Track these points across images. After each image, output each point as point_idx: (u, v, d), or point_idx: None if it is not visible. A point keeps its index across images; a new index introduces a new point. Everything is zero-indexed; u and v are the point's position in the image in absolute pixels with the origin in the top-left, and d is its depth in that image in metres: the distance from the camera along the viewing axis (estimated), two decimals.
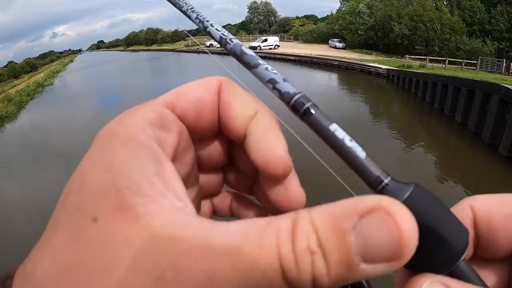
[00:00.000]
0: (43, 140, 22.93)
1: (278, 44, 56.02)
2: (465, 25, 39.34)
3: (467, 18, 39.78)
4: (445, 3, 42.93)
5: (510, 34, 36.40)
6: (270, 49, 53.43)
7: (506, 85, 16.14)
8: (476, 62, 33.77)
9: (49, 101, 40.34)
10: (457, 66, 34.16)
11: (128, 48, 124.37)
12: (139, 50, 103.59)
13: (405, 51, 41.27)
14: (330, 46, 57.18)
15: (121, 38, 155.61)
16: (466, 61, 34.03)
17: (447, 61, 33.65)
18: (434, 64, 34.70)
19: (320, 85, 31.89)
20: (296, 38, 72.05)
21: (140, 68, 55.34)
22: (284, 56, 47.01)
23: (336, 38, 57.95)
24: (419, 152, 16.45)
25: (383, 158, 14.48)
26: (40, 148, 20.48)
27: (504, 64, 32.50)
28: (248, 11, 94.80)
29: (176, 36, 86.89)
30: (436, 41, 39.80)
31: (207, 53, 55.37)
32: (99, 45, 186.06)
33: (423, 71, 29.30)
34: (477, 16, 39.04)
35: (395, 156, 15.56)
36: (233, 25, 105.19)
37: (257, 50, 52.11)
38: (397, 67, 34.74)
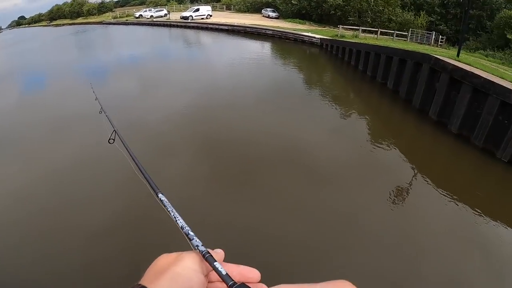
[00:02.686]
0: None
1: (211, 14, 54.31)
2: None
3: None
4: None
5: (441, 8, 37.59)
6: (202, 19, 51.60)
7: (436, 55, 16.88)
8: (407, 33, 34.96)
9: None
10: (388, 36, 35.22)
11: (51, 23, 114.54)
12: (63, 24, 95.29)
13: (338, 21, 41.82)
14: (263, 16, 56.72)
15: (43, 13, 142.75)
16: (397, 32, 35.16)
17: (379, 32, 34.44)
18: (367, 35, 35.40)
19: (253, 54, 31.43)
20: (228, 8, 70.29)
21: (65, 44, 50.14)
22: (217, 26, 45.53)
23: (269, 8, 57.56)
24: (353, 119, 16.48)
25: (317, 126, 14.49)
26: None
27: (434, 36, 33.95)
28: None
29: (103, 7, 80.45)
30: (369, 13, 40.53)
31: (136, 24, 52.19)
32: (20, 21, 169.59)
33: (356, 41, 29.51)
34: None
35: (329, 124, 15.33)
36: None
37: (189, 20, 49.60)
38: (330, 36, 35.07)
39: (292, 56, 31.93)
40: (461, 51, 19.77)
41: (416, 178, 11.17)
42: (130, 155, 2.20)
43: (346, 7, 42.45)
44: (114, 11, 70.71)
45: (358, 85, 23.62)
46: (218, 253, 0.80)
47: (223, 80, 20.09)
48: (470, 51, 29.93)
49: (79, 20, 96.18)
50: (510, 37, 29.44)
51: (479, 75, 13.72)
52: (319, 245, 7.27)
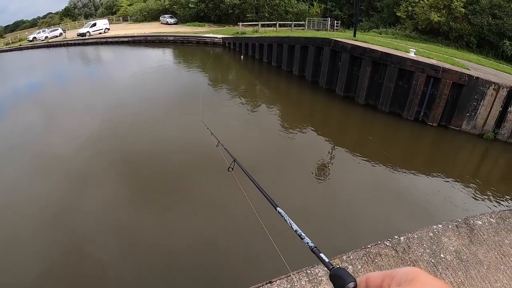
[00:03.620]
0: None
1: (108, 27, 51.67)
2: None
3: None
4: None
5: None
6: (100, 33, 48.96)
7: (334, 38, 17.66)
8: (304, 23, 35.82)
9: None
10: (287, 28, 36.04)
11: None
12: None
13: (237, 19, 42.33)
14: (161, 23, 55.30)
15: None
16: (295, 22, 35.99)
17: (277, 25, 35.07)
18: (266, 28, 35.95)
19: (157, 62, 29.82)
20: (125, 19, 67.03)
21: None
22: (117, 39, 43.36)
23: (167, 14, 56.27)
24: (265, 109, 16.39)
25: (229, 123, 13.88)
26: None
27: (329, 22, 35.41)
28: None
29: None
30: (266, 7, 41.17)
31: (31, 48, 47.95)
32: None
33: (257, 35, 29.81)
34: None
35: (241, 119, 14.90)
36: (55, 13, 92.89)
37: (86, 37, 47.05)
38: (231, 34, 35.31)
39: (196, 59, 31.55)
40: (356, 32, 20.68)
41: (335, 150, 11.60)
42: (249, 177, 2.43)
43: (243, 4, 42.91)
44: (4, 37, 64.46)
45: (265, 76, 23.91)
46: None
47: (128, 94, 18.42)
48: (364, 31, 31.63)
49: None
50: (399, 14, 31.53)
51: (376, 50, 14.67)
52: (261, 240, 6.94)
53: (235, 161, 3.32)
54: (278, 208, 1.63)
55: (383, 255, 3.05)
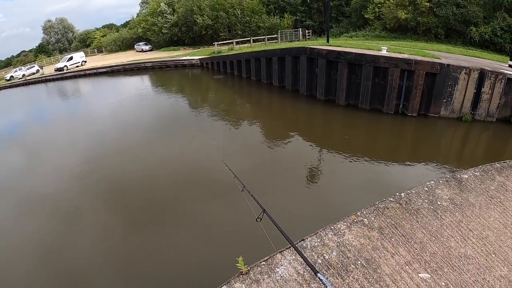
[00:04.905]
0: None
1: (85, 60, 51.67)
2: (263, 6, 43.05)
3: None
4: None
5: (303, 6, 40.80)
6: (78, 66, 48.97)
7: (309, 46, 18.35)
8: (277, 35, 36.68)
9: None
10: (261, 42, 36.74)
11: None
12: None
13: (211, 40, 43.05)
14: (137, 51, 55.84)
15: None
16: (268, 36, 36.87)
17: (251, 40, 35.75)
18: (241, 45, 36.58)
19: (136, 90, 29.16)
20: (100, 50, 67.72)
21: None
22: (95, 71, 43.43)
23: (141, 42, 56.86)
24: (248, 123, 16.44)
25: (212, 144, 13.05)
26: None
27: (301, 32, 36.50)
28: (43, 32, 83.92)
29: None
30: (238, 25, 42.05)
31: (9, 87, 47.71)
32: None
33: (233, 53, 30.47)
34: None
35: (227, 138, 14.49)
36: (28, 51, 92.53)
37: (64, 71, 46.95)
38: (208, 55, 35.97)
39: (174, 82, 31.94)
40: (329, 37, 21.47)
41: (321, 152, 12.00)
42: (280, 230, 2.60)
43: (216, 24, 43.78)
44: None
45: (246, 91, 24.38)
46: None
47: (110, 127, 18.06)
48: (335, 37, 32.55)
49: None
50: (367, 16, 32.75)
51: (350, 52, 15.43)
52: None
53: (264, 211, 3.27)
54: (319, 275, 1.70)
55: (390, 208, 3.52)
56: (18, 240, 8.62)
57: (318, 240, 3.13)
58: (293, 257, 2.98)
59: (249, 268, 2.91)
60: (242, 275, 2.84)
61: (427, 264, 2.78)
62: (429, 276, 2.65)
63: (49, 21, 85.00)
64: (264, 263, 2.97)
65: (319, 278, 1.69)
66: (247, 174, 9.93)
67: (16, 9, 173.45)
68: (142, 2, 71.27)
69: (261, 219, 3.18)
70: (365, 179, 9.63)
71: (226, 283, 2.84)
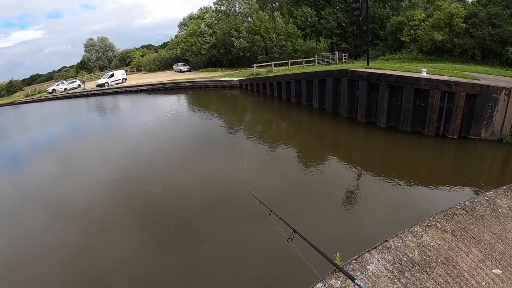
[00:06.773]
0: None
1: (126, 77, 53.53)
2: (299, 30, 44.03)
3: (299, 24, 44.73)
4: (279, 13, 46.70)
5: (339, 29, 41.57)
6: (118, 83, 50.81)
7: (350, 69, 19.07)
8: (314, 58, 37.73)
9: None
10: (299, 65, 37.75)
11: None
12: None
13: (248, 62, 44.36)
14: (175, 71, 57.07)
15: None
16: (305, 59, 37.92)
17: (289, 63, 36.65)
18: (280, 68, 37.59)
19: (172, 108, 30.85)
20: (139, 69, 70.50)
21: None
22: (136, 88, 45.12)
23: (179, 62, 58.25)
24: (287, 145, 16.50)
25: (253, 165, 13.75)
26: None
27: (337, 55, 37.20)
28: (84, 49, 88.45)
29: (11, 87, 76.10)
30: (275, 48, 42.97)
31: (51, 99, 49.89)
32: None
33: (272, 75, 31.76)
34: (309, 20, 44.41)
35: (265, 158, 14.95)
36: (69, 66, 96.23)
37: (105, 87, 48.66)
38: (247, 76, 36.97)
39: (214, 102, 32.81)
40: (364, 61, 22.16)
41: (362, 174, 12.26)
42: (313, 247, 2.88)
43: (253, 47, 45.02)
44: (23, 90, 67.10)
45: (285, 113, 24.96)
46: None
47: (144, 143, 19.07)
48: (372, 60, 33.02)
49: None
50: (403, 38, 33.30)
51: (391, 74, 16.04)
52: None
53: (295, 231, 3.34)
54: (356, 281, 1.83)
55: (458, 214, 4.05)
56: (47, 245, 9.24)
57: (400, 241, 3.63)
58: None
59: None
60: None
61: (497, 262, 3.21)
62: (501, 272, 3.09)
63: (91, 39, 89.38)
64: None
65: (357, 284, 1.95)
66: (281, 194, 10.68)
67: (58, 27, 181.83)
68: (181, 24, 73.98)
69: (291, 239, 3.27)
70: (403, 202, 9.82)
71: None
